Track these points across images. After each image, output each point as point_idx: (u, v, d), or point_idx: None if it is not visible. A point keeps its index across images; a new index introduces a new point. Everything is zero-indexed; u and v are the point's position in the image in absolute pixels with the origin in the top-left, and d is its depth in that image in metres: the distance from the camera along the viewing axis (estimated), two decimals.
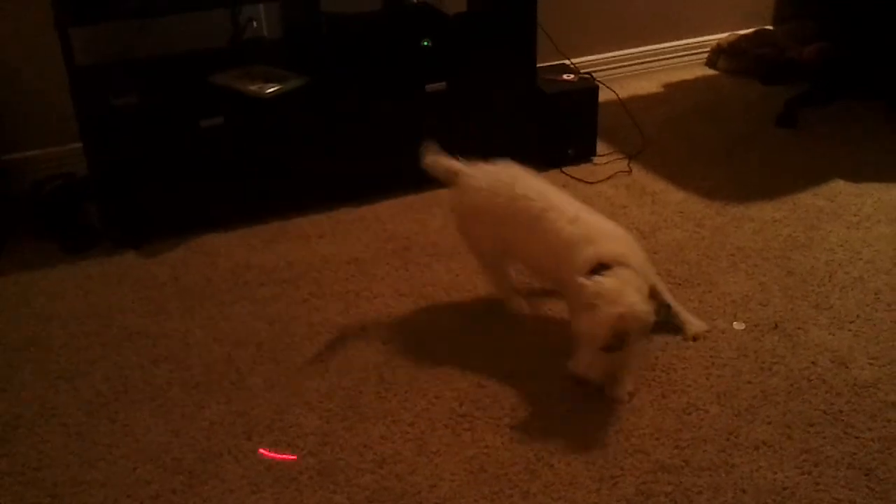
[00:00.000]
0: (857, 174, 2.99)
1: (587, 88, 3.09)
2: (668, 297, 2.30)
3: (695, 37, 3.95)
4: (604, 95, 3.18)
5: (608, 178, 3.03)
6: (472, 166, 2.27)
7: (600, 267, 1.96)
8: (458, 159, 2.27)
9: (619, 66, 3.83)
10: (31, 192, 2.84)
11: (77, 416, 2.08)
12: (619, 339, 1.91)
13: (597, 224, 2.11)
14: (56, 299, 2.50)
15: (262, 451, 1.96)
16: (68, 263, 2.65)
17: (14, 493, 1.87)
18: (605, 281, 1.92)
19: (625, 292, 1.91)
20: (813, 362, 2.16)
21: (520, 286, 2.41)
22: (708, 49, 3.96)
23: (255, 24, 3.15)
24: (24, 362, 2.26)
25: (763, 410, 2.02)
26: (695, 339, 2.24)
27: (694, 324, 2.27)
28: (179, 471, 1.91)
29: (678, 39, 3.92)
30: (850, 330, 2.26)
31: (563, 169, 3.08)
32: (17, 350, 2.30)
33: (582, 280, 1.93)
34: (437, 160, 2.26)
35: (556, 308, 2.38)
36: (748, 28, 3.95)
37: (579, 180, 3.02)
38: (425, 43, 3.00)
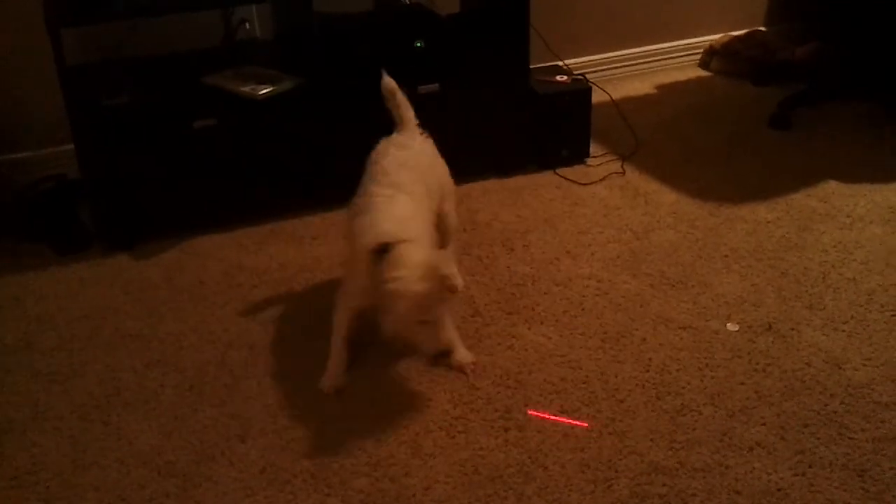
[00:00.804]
0: (850, 175, 3.00)
1: (580, 90, 3.08)
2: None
3: (688, 38, 3.96)
4: (597, 97, 3.18)
5: (601, 179, 3.03)
6: (410, 130, 2.32)
7: (383, 247, 1.92)
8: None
9: (613, 68, 3.83)
10: (23, 194, 2.83)
11: (70, 419, 2.07)
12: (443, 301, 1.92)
13: (396, 206, 2.06)
14: (48, 301, 2.49)
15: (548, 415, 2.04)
16: (60, 265, 2.64)
17: (6, 497, 1.86)
18: (402, 273, 1.86)
19: (422, 263, 1.88)
20: (807, 363, 2.16)
21: None
22: (701, 50, 3.96)
23: (247, 24, 3.14)
24: (16, 365, 2.25)
25: (757, 412, 2.02)
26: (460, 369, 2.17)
27: (461, 352, 2.19)
28: (173, 474, 1.91)
29: (671, 41, 3.93)
30: (843, 331, 2.27)
31: (557, 170, 3.08)
32: (8, 352, 2.29)
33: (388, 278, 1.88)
34: (393, 92, 2.30)
35: (550, 312, 2.38)
36: (741, 29, 3.96)
37: (573, 181, 3.02)
38: (418, 44, 2.99)
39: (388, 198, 2.07)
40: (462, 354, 2.18)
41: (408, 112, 2.33)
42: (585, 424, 2.00)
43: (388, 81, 2.31)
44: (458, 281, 1.86)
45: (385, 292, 1.86)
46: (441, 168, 2.33)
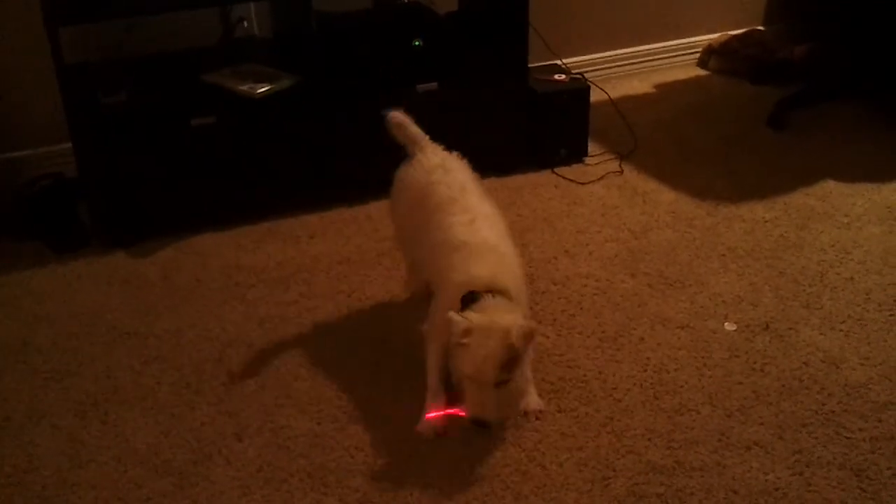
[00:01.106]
0: (848, 174, 3.00)
1: (578, 89, 3.08)
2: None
3: (686, 37, 3.95)
4: (595, 96, 3.18)
5: (600, 178, 3.03)
6: (430, 146, 2.25)
7: (470, 295, 1.88)
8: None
9: (611, 67, 3.83)
10: (20, 192, 2.82)
11: (67, 417, 2.07)
12: (507, 371, 1.83)
13: (482, 238, 2.01)
14: (45, 299, 2.49)
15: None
16: (58, 263, 2.64)
17: (3, 495, 1.86)
18: (472, 317, 1.82)
19: (495, 321, 1.81)
20: (804, 363, 2.16)
21: None
22: (699, 49, 3.96)
23: (245, 23, 3.14)
24: (13, 363, 2.24)
25: (755, 411, 2.02)
26: (525, 413, 2.02)
27: (531, 398, 2.05)
28: (170, 472, 1.90)
29: (670, 40, 3.92)
30: (841, 330, 2.27)
31: (555, 169, 3.08)
32: (5, 351, 2.29)
33: (451, 315, 1.82)
34: (406, 124, 2.24)
35: (548, 311, 2.38)
36: (740, 28, 3.95)
37: (571, 181, 3.01)
38: (416, 43, 2.99)
39: (469, 225, 2.02)
40: (531, 400, 2.03)
41: (422, 136, 2.26)
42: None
43: (398, 116, 2.24)
44: (524, 344, 1.82)
45: (456, 347, 1.83)
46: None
